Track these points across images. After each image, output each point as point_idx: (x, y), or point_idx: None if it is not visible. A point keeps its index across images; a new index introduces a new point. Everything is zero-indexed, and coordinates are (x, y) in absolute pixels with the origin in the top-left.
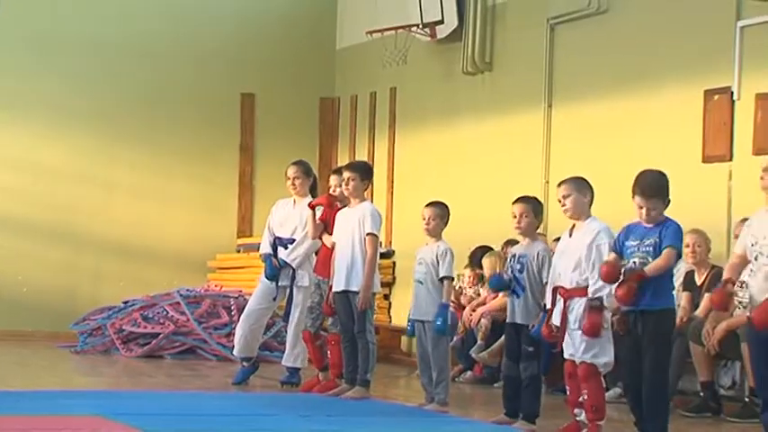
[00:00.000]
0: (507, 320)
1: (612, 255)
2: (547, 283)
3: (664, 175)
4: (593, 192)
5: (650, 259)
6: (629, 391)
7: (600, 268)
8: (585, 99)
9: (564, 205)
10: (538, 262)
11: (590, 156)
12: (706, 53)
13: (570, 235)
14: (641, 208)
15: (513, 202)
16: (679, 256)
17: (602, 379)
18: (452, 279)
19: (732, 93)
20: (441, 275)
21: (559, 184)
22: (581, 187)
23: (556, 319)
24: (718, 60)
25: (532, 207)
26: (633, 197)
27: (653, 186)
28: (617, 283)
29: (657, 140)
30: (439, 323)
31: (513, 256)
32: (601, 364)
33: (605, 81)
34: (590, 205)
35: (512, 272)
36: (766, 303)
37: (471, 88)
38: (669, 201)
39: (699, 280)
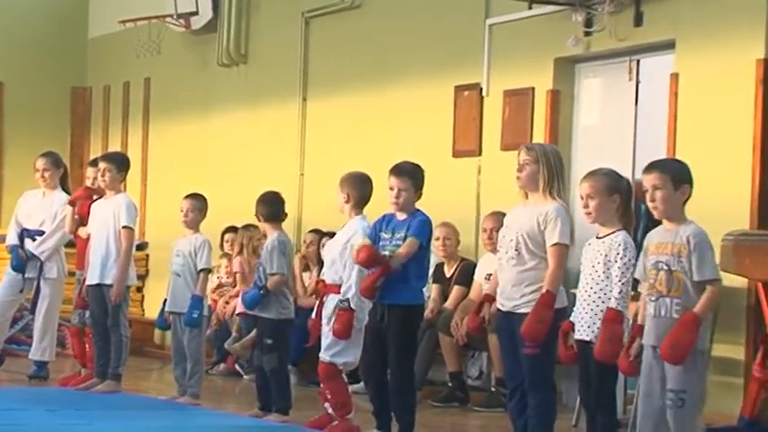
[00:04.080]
0: (250, 312)
1: (366, 240)
2: (271, 274)
3: (420, 167)
4: (362, 191)
5: None
6: (368, 382)
7: (355, 253)
8: (340, 93)
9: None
10: (266, 254)
11: (344, 149)
12: (456, 50)
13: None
14: (392, 189)
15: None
16: (424, 247)
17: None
18: (209, 271)
19: (481, 89)
20: (199, 267)
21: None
22: (355, 185)
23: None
24: (467, 57)
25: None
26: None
27: (407, 168)
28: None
29: (409, 135)
30: (194, 316)
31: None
32: (340, 363)
33: (359, 75)
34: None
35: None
36: (533, 317)
37: (226, 80)
38: (421, 193)
39: (448, 272)
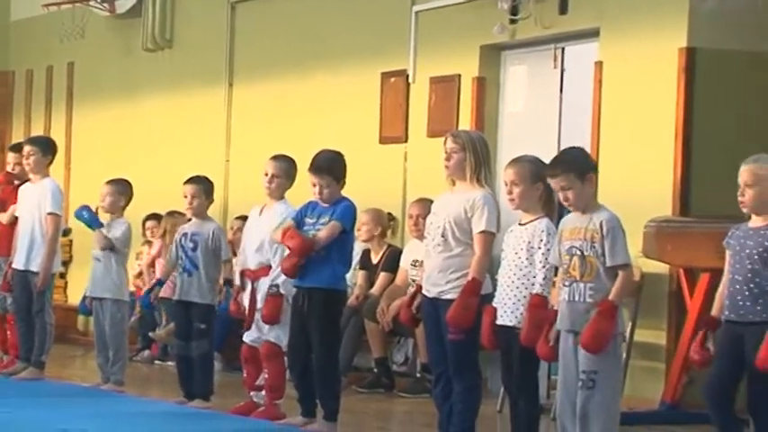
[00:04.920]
0: (177, 298)
1: (290, 222)
2: (224, 261)
3: (340, 154)
4: (294, 174)
5: None
6: (293, 368)
7: (279, 235)
8: (266, 79)
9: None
10: (215, 240)
11: (270, 135)
12: (383, 36)
13: (260, 214)
14: (314, 185)
15: (185, 183)
16: (347, 233)
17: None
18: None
19: (408, 76)
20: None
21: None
22: (287, 169)
23: (245, 300)
24: (394, 44)
25: (203, 188)
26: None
27: (326, 164)
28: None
29: (336, 122)
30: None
31: (185, 234)
32: (284, 344)
33: (285, 61)
34: (288, 187)
35: (183, 250)
36: (459, 303)
37: (151, 65)
38: (344, 182)
39: (375, 258)
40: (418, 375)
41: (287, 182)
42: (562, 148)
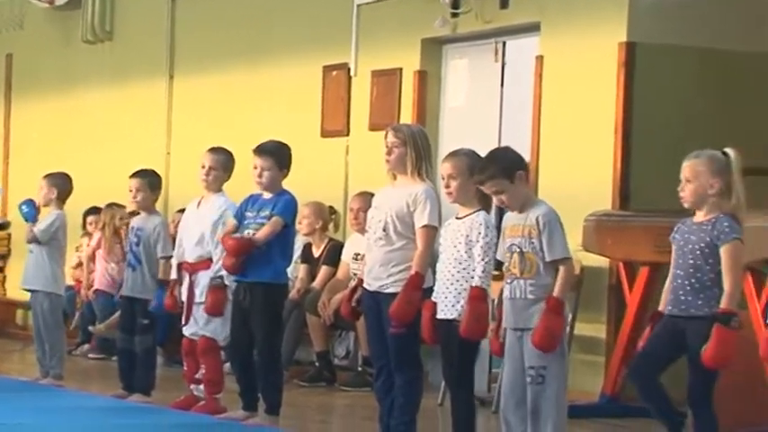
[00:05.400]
0: (122, 293)
1: (231, 221)
2: (163, 257)
3: (286, 145)
4: (231, 167)
5: None
6: (234, 362)
7: (222, 242)
8: (207, 71)
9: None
10: (154, 236)
11: (212, 129)
12: (325, 29)
13: (198, 206)
14: (255, 168)
15: (130, 177)
16: (288, 226)
17: (222, 352)
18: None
19: (349, 69)
20: (43, 240)
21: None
22: (224, 161)
23: (183, 294)
24: (336, 37)
25: (148, 181)
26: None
27: (269, 147)
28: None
29: (278, 115)
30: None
31: (132, 228)
32: (221, 339)
33: (226, 53)
34: (226, 180)
35: (129, 245)
36: (402, 297)
37: (91, 57)
38: (287, 172)
39: (316, 252)
40: (360, 369)
41: (224, 174)
42: (503, 142)
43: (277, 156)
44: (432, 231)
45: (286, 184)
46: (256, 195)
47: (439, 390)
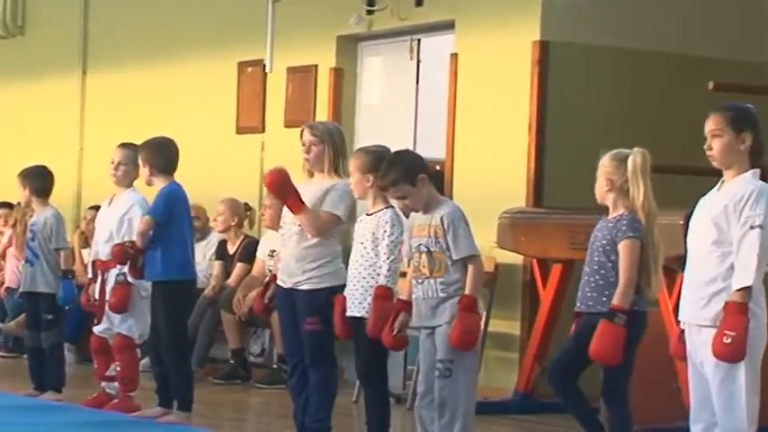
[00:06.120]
0: (22, 290)
1: (146, 218)
2: (57, 249)
3: (169, 141)
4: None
5: None
6: (151, 359)
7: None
8: (122, 67)
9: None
10: (47, 229)
11: (126, 125)
12: (240, 26)
13: (110, 204)
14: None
15: (18, 176)
16: (160, 223)
17: (138, 350)
18: None
19: (265, 65)
20: None
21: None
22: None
23: (96, 292)
24: (251, 33)
25: (29, 181)
26: None
27: (150, 144)
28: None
29: (193, 111)
30: None
31: (28, 224)
32: (136, 336)
33: (141, 49)
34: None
35: (26, 241)
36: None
37: (3, 52)
38: (170, 169)
39: (231, 249)
40: (275, 366)
41: (134, 170)
42: (418, 139)
43: (151, 151)
44: (333, 218)
45: (201, 179)
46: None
47: (354, 387)
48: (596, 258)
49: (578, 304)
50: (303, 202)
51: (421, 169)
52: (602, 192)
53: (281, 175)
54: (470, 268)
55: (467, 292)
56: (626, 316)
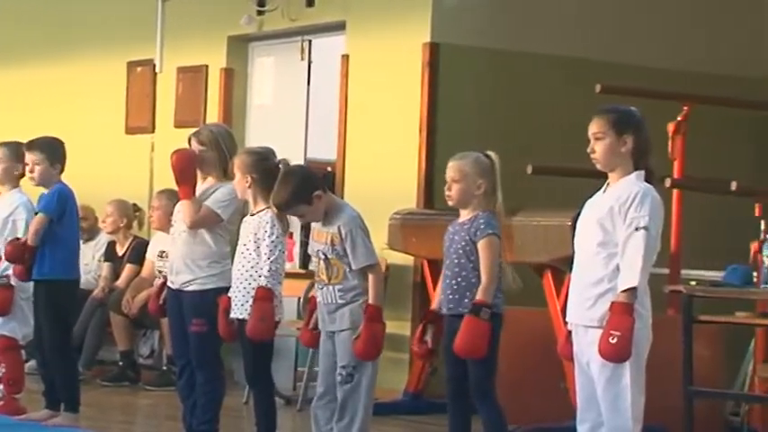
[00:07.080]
0: None
1: (39, 217)
2: None
3: (59, 140)
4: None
5: None
6: (38, 361)
7: (5, 247)
8: (9, 66)
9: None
10: None
11: (16, 123)
12: (130, 25)
13: None
14: (27, 164)
15: None
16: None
17: (23, 352)
18: None
19: (155, 65)
20: None
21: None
22: (13, 155)
23: None
24: (141, 33)
25: None
26: None
27: (40, 141)
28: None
29: (82, 111)
30: None
31: None
32: (20, 337)
33: (29, 49)
34: (22, 175)
35: None
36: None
37: None
38: (61, 167)
39: (120, 250)
40: (164, 368)
41: (14, 168)
42: (309, 141)
43: (45, 150)
44: (211, 214)
45: (89, 180)
46: (43, 192)
47: (245, 388)
48: (456, 261)
49: (440, 306)
50: (194, 193)
51: (314, 186)
52: (465, 193)
53: (189, 157)
54: (371, 277)
55: (370, 301)
56: (490, 311)
